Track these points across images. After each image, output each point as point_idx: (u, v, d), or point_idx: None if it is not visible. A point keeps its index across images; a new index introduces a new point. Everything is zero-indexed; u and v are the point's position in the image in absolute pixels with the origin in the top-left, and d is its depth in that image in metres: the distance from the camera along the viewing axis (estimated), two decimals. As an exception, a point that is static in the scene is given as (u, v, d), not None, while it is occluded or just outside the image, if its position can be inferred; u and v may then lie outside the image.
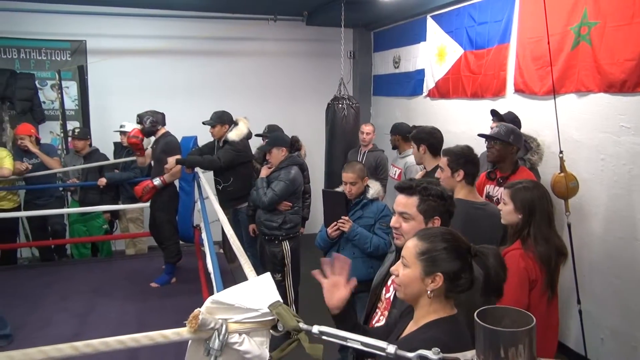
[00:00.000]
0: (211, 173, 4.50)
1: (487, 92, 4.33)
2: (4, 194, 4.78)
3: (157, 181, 4.18)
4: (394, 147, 4.39)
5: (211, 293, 3.61)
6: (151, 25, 5.98)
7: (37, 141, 4.95)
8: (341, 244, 3.11)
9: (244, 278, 4.16)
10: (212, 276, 3.30)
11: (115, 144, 5.37)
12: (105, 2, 5.56)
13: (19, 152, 4.88)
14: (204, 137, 4.70)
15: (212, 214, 3.82)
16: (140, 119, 4.22)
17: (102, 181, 4.85)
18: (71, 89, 5.84)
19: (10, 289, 4.38)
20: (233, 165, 4.26)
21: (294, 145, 4.16)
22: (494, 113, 3.56)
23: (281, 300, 1.18)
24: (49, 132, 5.71)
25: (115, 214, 5.19)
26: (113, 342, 1.12)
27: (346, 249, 3.05)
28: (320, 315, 1.57)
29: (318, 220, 5.32)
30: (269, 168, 3.87)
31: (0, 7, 5.22)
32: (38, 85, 5.58)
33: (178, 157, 4.20)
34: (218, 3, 5.59)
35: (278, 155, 3.75)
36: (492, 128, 3.34)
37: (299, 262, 4.03)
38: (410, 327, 1.41)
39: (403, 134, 4.25)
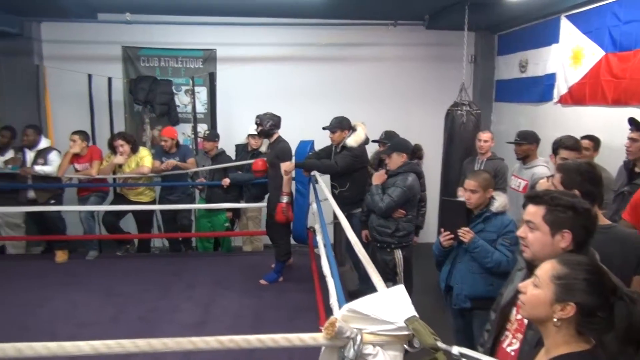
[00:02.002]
0: (327, 177, 4.59)
1: (632, 98, 3.88)
2: (142, 189, 5.31)
3: (284, 199, 4.34)
4: (522, 157, 4.04)
5: (325, 296, 3.70)
6: (275, 33, 6.26)
7: (177, 144, 5.41)
8: (459, 255, 2.95)
9: (353, 282, 4.20)
10: (328, 279, 3.36)
11: (237, 146, 5.70)
12: (233, 13, 5.94)
13: (160, 151, 5.38)
14: (320, 141, 4.82)
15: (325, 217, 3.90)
16: (261, 120, 4.42)
17: (226, 181, 5.18)
18: (202, 94, 6.33)
19: (145, 273, 4.86)
20: (350, 171, 4.30)
21: (415, 153, 4.09)
22: (632, 122, 3.18)
23: (417, 315, 1.15)
24: (182, 133, 6.23)
25: (236, 212, 5.50)
26: (254, 340, 1.18)
27: (463, 261, 2.90)
28: (433, 328, 1.50)
29: (432, 230, 5.20)
30: (385, 174, 3.85)
31: (145, 21, 5.81)
32: (174, 91, 6.12)
33: (288, 163, 4.33)
34: (340, 10, 5.69)
35: (397, 160, 3.71)
36: (629, 139, 3.00)
37: (412, 271, 3.95)
38: (541, 358, 1.31)
39: (537, 142, 3.96)
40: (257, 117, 4.47)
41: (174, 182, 5.39)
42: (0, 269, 4.99)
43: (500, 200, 2.90)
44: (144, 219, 5.45)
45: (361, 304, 1.17)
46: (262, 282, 4.61)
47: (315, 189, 4.71)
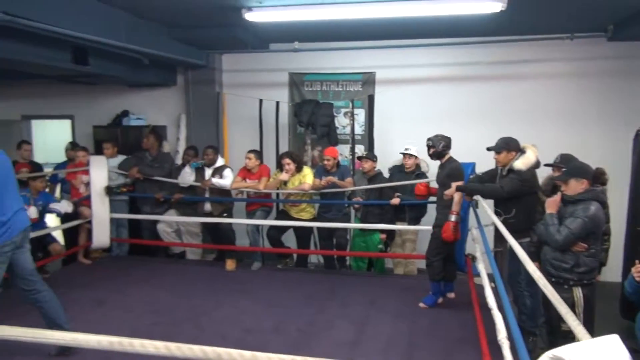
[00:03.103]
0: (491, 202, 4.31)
1: None
2: (304, 205, 5.59)
3: (453, 218, 4.19)
4: None
5: (488, 330, 3.45)
6: (434, 54, 6.17)
7: (337, 164, 5.60)
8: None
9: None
10: (494, 312, 3.12)
11: (390, 168, 5.67)
12: (393, 36, 6.01)
13: (321, 170, 5.62)
14: (482, 164, 4.57)
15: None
16: (433, 142, 4.33)
17: (396, 201, 5.16)
18: (360, 116, 6.49)
19: (302, 288, 5.06)
20: (517, 196, 3.97)
21: (598, 178, 3.63)
22: None
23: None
24: (340, 154, 6.44)
25: (390, 234, 5.46)
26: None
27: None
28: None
29: (616, 267, 4.54)
30: (561, 200, 3.46)
31: (310, 48, 6.19)
32: (334, 113, 6.37)
33: (459, 183, 4.16)
34: (511, 26, 5.39)
35: (576, 187, 3.31)
36: None
37: (593, 313, 3.46)
38: None
39: None
40: (429, 139, 4.39)
41: (332, 200, 5.57)
42: (182, 271, 5.65)
43: None
44: (303, 235, 5.71)
45: (570, 353, 1.02)
46: (422, 305, 4.48)
47: (476, 214, 4.46)
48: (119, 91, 7.23)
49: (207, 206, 5.73)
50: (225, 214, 5.69)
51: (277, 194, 5.77)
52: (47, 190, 5.63)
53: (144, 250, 6.25)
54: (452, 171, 4.27)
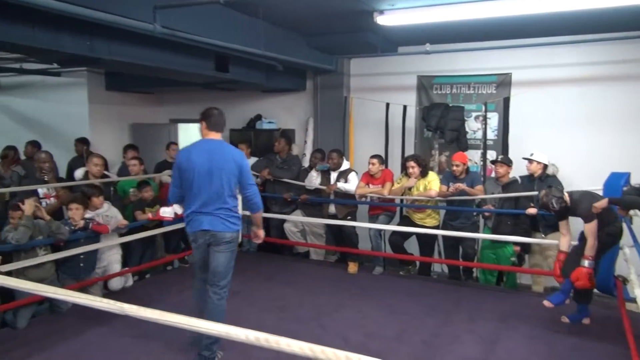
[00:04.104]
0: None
1: None
2: (429, 212, 5.42)
3: (586, 263, 3.73)
4: None
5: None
6: (580, 52, 5.61)
7: (467, 170, 5.35)
8: None
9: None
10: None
11: (522, 177, 5.26)
12: (531, 34, 5.57)
13: (448, 176, 5.41)
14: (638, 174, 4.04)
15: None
16: (553, 204, 3.83)
17: (532, 211, 4.74)
18: (492, 120, 6.13)
19: (425, 297, 4.90)
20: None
21: None
22: None
23: None
24: (469, 159, 6.14)
25: (525, 247, 5.06)
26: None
27: None
28: None
29: None
30: None
31: (440, 50, 5.98)
32: (464, 117, 6.09)
33: (605, 199, 3.69)
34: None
35: None
36: None
37: None
38: None
39: None
40: (542, 204, 3.93)
41: (459, 208, 5.32)
42: (306, 271, 5.82)
43: None
44: (427, 242, 5.55)
45: None
46: (564, 319, 4.13)
47: (631, 231, 3.94)
48: (253, 96, 7.69)
49: (332, 208, 5.83)
50: (349, 217, 5.74)
51: (401, 199, 5.67)
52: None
53: (272, 248, 6.55)
54: (582, 199, 3.81)
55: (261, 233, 3.89)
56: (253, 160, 6.49)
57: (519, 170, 5.30)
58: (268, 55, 5.07)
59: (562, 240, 4.04)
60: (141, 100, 8.35)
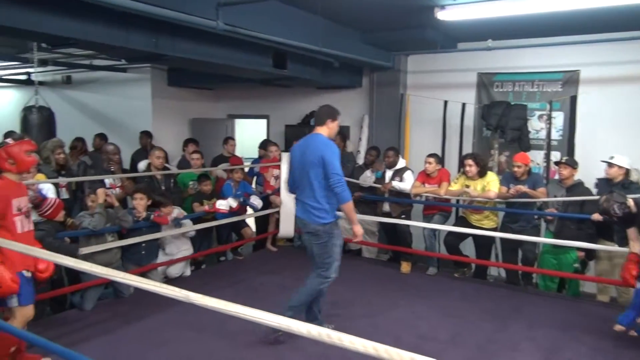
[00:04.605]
0: None
1: None
2: (487, 213, 5.25)
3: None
4: None
5: None
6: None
7: (528, 171, 5.13)
8: None
9: None
10: None
11: (599, 179, 4.96)
12: (602, 29, 5.26)
13: (508, 177, 5.21)
14: None
15: None
16: (614, 210, 3.58)
17: (597, 217, 4.45)
18: (557, 119, 5.85)
19: (481, 301, 4.76)
20: None
21: None
22: None
23: None
24: (531, 160, 5.90)
25: (590, 253, 4.80)
26: None
27: None
28: None
29: None
30: None
31: (502, 46, 5.77)
32: (527, 116, 5.85)
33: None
34: None
35: None
36: None
37: None
38: None
39: None
40: (604, 211, 3.70)
41: (519, 210, 5.11)
42: (357, 268, 5.78)
43: None
44: (483, 245, 5.38)
45: None
46: (618, 327, 3.82)
47: None
48: (308, 93, 7.74)
49: (386, 206, 5.77)
50: (403, 216, 5.66)
51: (457, 199, 5.52)
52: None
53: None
54: None
55: (357, 230, 3.71)
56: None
57: (585, 173, 5.02)
58: (325, 52, 5.07)
59: (633, 244, 3.77)
60: (200, 95, 8.60)
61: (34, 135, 5.91)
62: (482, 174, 5.23)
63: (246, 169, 6.56)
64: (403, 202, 5.69)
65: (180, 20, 3.77)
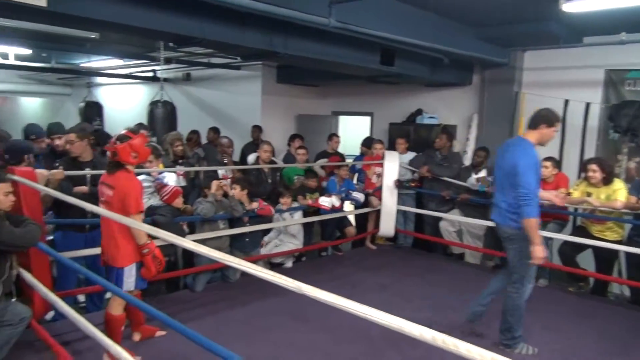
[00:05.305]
0: None
1: None
2: (610, 224, 4.77)
3: None
4: None
5: None
6: None
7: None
8: None
9: None
10: None
11: None
12: None
13: (638, 186, 4.68)
14: None
15: None
16: None
17: None
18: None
19: (597, 321, 4.35)
20: None
21: None
22: None
23: None
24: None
25: None
26: None
27: None
28: None
29: None
30: None
31: (635, 39, 5.14)
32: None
33: None
34: None
35: None
36: None
37: None
38: None
39: None
40: None
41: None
42: (460, 273, 5.58)
43: None
44: (605, 258, 4.88)
45: None
46: None
47: None
48: (414, 90, 7.58)
49: (494, 210, 5.47)
50: (513, 221, 5.32)
51: (575, 208, 5.07)
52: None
53: (424, 245, 6.42)
54: None
55: (537, 251, 3.26)
56: (410, 155, 6.41)
57: None
58: (436, 48, 4.93)
59: None
60: (307, 92, 8.82)
61: (159, 127, 6.47)
62: (607, 181, 4.74)
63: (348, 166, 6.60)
64: (513, 207, 5.34)
65: (295, 18, 3.87)
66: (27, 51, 8.28)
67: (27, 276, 3.31)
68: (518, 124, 6.29)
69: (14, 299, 3.14)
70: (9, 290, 3.07)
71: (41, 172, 3.58)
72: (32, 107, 15.72)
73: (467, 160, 6.40)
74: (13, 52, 8.51)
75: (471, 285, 5.14)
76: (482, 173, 5.65)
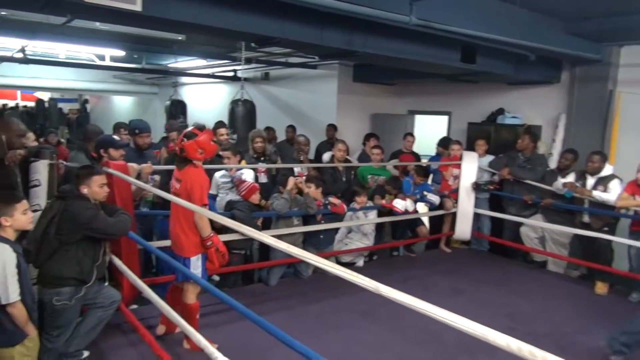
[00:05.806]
0: None
1: None
2: None
3: None
4: None
5: None
6: None
7: None
8: None
9: None
10: None
11: None
12: None
13: None
14: None
15: None
16: None
17: None
18: None
19: None
20: None
21: None
22: None
23: None
24: None
25: None
26: None
27: None
28: None
29: None
30: None
31: None
32: None
33: None
34: None
35: None
36: None
37: None
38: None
39: None
40: None
41: None
42: (541, 282, 5.28)
43: None
44: None
45: None
46: None
47: None
48: (496, 89, 7.26)
49: (586, 217, 5.11)
50: (605, 229, 4.94)
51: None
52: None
53: (502, 250, 6.14)
54: None
55: None
56: (489, 158, 6.15)
57: None
58: (523, 44, 4.68)
59: None
60: (382, 91, 8.74)
61: (239, 125, 6.70)
62: None
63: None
64: (607, 214, 4.96)
65: (376, 17, 3.83)
66: (121, 53, 8.92)
67: (118, 262, 3.57)
68: (612, 125, 5.83)
69: (106, 283, 3.39)
70: (102, 275, 3.31)
71: (132, 166, 3.84)
72: (123, 106, 16.94)
73: (553, 164, 6.02)
74: (109, 53, 9.22)
75: (553, 295, 4.88)
76: (570, 177, 5.28)
